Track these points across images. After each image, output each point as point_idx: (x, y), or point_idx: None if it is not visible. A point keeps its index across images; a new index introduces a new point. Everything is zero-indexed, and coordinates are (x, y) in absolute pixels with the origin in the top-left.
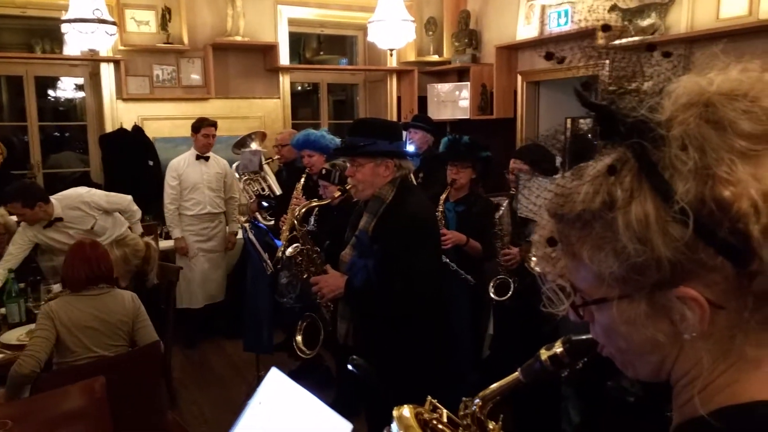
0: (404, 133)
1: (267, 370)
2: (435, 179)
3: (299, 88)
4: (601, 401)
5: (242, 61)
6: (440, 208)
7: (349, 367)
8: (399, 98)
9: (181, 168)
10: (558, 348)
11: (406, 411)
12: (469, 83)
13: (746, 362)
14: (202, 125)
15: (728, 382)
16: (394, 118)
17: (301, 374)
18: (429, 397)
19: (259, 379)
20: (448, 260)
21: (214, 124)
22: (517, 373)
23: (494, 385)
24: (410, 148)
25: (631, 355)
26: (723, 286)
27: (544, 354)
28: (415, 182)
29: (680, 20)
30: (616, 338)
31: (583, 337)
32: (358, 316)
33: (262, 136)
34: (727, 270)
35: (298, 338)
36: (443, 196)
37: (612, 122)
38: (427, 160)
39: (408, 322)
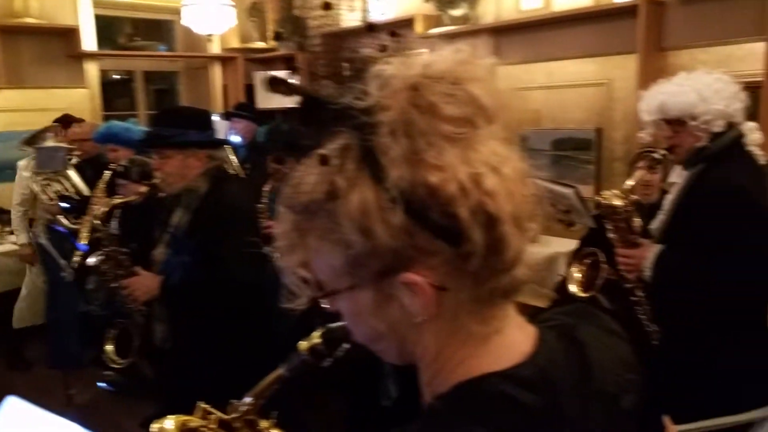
0: (227, 122)
1: (78, 387)
2: (263, 170)
3: (114, 77)
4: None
5: (38, 46)
6: (264, 200)
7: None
8: (225, 86)
9: None
10: (316, 339)
11: (169, 423)
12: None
13: (475, 339)
14: None
15: (462, 358)
16: (220, 108)
17: (116, 386)
18: (200, 403)
19: (68, 399)
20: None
21: None
22: (280, 369)
23: (261, 383)
24: (235, 138)
25: (374, 341)
26: (445, 269)
27: (303, 346)
28: (243, 173)
29: (488, 11)
30: (357, 326)
31: (338, 324)
32: (176, 316)
33: (59, 131)
34: (447, 253)
35: (109, 348)
36: (267, 188)
37: (317, 109)
38: (252, 150)
39: (229, 316)
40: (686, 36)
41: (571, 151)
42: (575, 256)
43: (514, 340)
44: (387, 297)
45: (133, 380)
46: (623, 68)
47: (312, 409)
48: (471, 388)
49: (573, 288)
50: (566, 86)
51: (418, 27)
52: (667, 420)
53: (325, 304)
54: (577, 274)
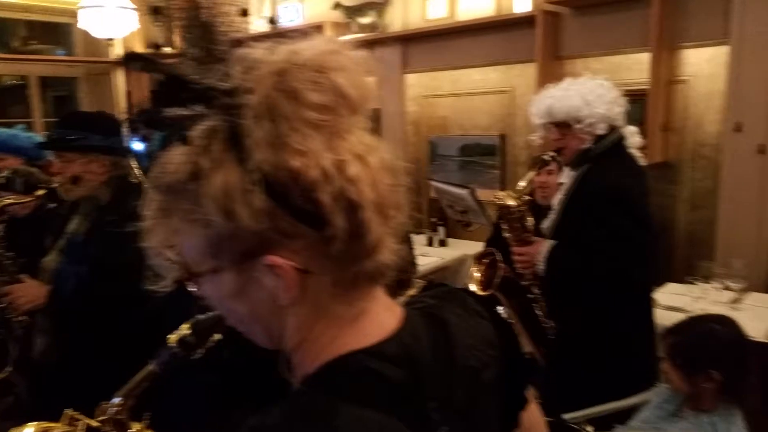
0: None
1: None
2: None
3: (8, 82)
4: None
5: None
6: None
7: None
8: (129, 92)
9: None
10: (185, 330)
11: (28, 431)
12: None
13: (341, 320)
14: None
15: (328, 340)
16: (124, 115)
17: None
18: (66, 411)
19: None
20: None
21: None
22: (150, 365)
23: (130, 381)
24: (138, 145)
25: (243, 325)
26: (308, 252)
27: (171, 339)
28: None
29: (395, 19)
30: (225, 310)
31: (209, 314)
32: (62, 328)
33: None
34: (309, 237)
35: None
36: None
37: (179, 88)
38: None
39: (123, 329)
40: (580, 45)
41: (478, 157)
42: (476, 257)
43: (381, 320)
44: (250, 280)
45: (4, 397)
46: (524, 76)
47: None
48: (336, 366)
49: (473, 287)
50: (472, 93)
51: (327, 34)
52: (530, 393)
53: (191, 288)
54: (476, 273)
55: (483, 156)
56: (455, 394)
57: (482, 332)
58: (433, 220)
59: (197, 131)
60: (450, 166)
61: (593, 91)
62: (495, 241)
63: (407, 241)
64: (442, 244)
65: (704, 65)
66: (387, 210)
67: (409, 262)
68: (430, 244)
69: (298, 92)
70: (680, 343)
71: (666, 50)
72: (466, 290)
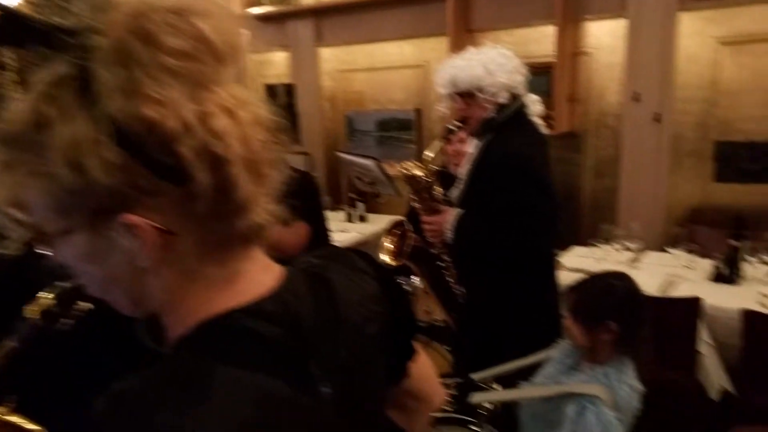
0: None
1: None
2: None
3: None
4: None
5: None
6: None
7: None
8: None
9: None
10: (47, 299)
11: None
12: None
13: (214, 281)
14: None
15: (201, 301)
16: None
17: None
18: None
19: None
20: None
21: None
22: (8, 341)
23: None
24: None
25: (102, 290)
26: (171, 211)
27: (31, 311)
28: None
29: None
30: (83, 274)
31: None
32: None
33: None
34: (172, 194)
35: None
36: None
37: (18, 26)
38: None
39: None
40: (490, 19)
41: (395, 132)
42: (387, 228)
43: (258, 280)
44: (106, 241)
45: None
46: (437, 50)
47: None
48: (209, 326)
49: (385, 258)
50: (387, 68)
51: (236, 6)
52: (417, 345)
53: (43, 251)
54: (388, 244)
55: (400, 130)
56: (339, 351)
57: (367, 289)
58: (352, 195)
59: (41, 76)
60: (368, 141)
61: (494, 60)
62: (414, 213)
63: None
64: (362, 219)
65: (605, 38)
66: (259, 167)
67: None
68: (349, 219)
69: (154, 36)
70: (581, 298)
71: (570, 23)
72: (353, 249)
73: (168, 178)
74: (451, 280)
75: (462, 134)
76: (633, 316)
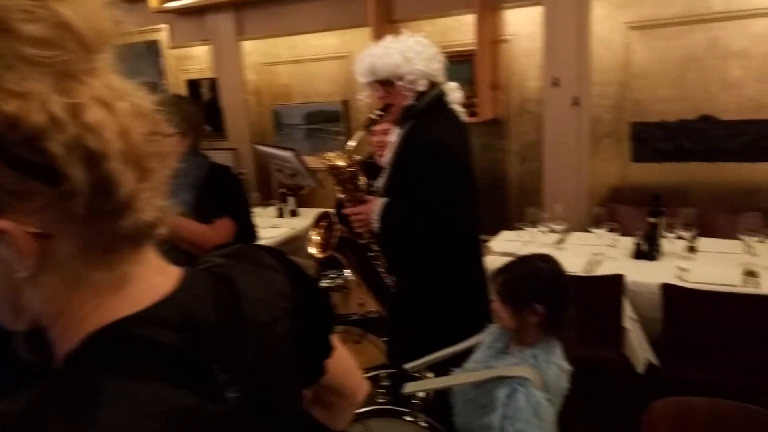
0: None
1: None
2: None
3: None
4: None
5: None
6: None
7: None
8: None
9: None
10: None
11: None
12: None
13: (102, 287)
14: None
15: (90, 310)
16: None
17: None
18: None
19: None
20: None
21: None
22: None
23: None
24: None
25: None
26: (47, 213)
27: None
28: None
29: None
30: None
31: None
32: None
33: None
34: (46, 194)
35: None
36: None
37: None
38: None
39: None
40: (412, 9)
41: (322, 124)
42: (314, 220)
43: (152, 284)
44: None
45: None
46: (360, 41)
47: None
48: (100, 337)
49: (312, 250)
50: (311, 60)
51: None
52: (334, 340)
53: None
54: (315, 237)
55: (327, 123)
56: (245, 353)
57: (275, 286)
58: (282, 190)
59: None
60: (296, 134)
61: (412, 48)
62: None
63: None
64: (293, 214)
65: (523, 25)
66: (143, 162)
67: None
68: (280, 215)
69: (9, 23)
70: (508, 281)
71: (489, 11)
72: (261, 246)
73: (38, 177)
74: (382, 271)
75: (385, 124)
76: (558, 298)
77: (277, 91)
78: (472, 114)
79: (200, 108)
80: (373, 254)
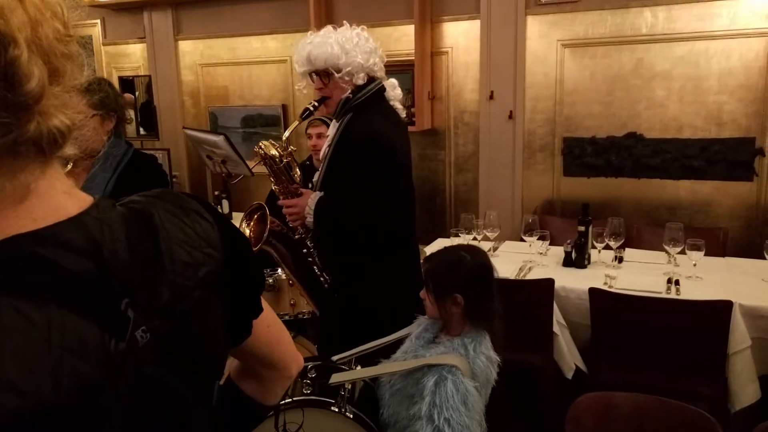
0: None
1: None
2: None
3: None
4: None
5: None
6: None
7: None
8: None
9: None
10: None
11: None
12: None
13: (1, 195)
14: None
15: None
16: None
17: None
18: None
19: None
20: None
21: None
22: None
23: None
24: None
25: None
26: None
27: None
28: None
29: None
30: None
31: None
32: None
33: None
34: None
35: None
36: None
37: None
38: None
39: None
40: (352, 16)
41: (261, 128)
42: (245, 213)
43: (57, 203)
44: None
45: None
46: None
47: None
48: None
49: None
50: (251, 63)
51: None
52: (266, 306)
53: None
54: (246, 230)
55: (266, 127)
56: (159, 292)
57: (199, 230)
58: (216, 193)
59: None
60: (233, 138)
61: (351, 39)
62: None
63: None
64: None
65: (461, 38)
66: (53, 60)
67: None
68: None
69: None
70: (432, 269)
71: (428, 23)
72: (189, 194)
73: None
74: (316, 268)
75: (322, 128)
76: (479, 289)
77: (214, 93)
78: (410, 123)
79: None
80: (306, 251)
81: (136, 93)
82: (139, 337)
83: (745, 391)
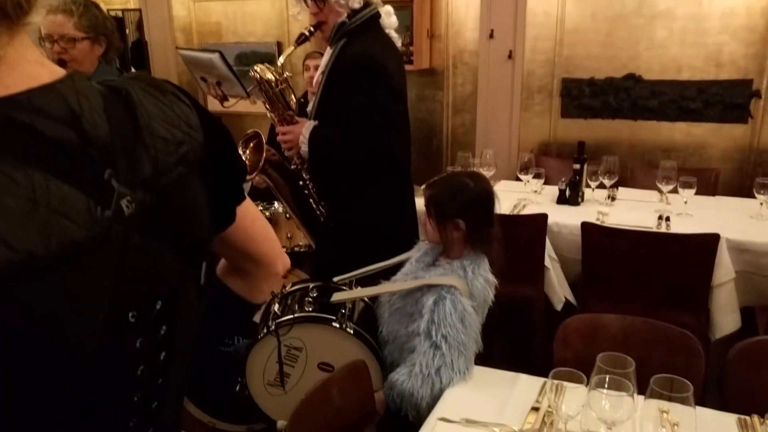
0: None
1: None
2: None
3: None
4: None
5: None
6: None
7: None
8: None
9: None
10: None
11: None
12: None
13: None
14: None
15: None
16: None
17: None
18: None
19: None
20: None
21: None
22: None
23: None
24: None
25: None
26: None
27: None
28: None
29: None
30: None
31: None
32: None
33: None
34: None
35: None
36: None
37: None
38: None
39: None
40: None
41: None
42: (241, 140)
43: (29, 72)
44: None
45: None
46: None
47: None
48: None
49: None
50: None
51: None
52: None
53: None
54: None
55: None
56: (141, 165)
57: (178, 111)
58: None
59: None
60: None
61: None
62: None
63: None
64: None
65: None
66: None
67: None
68: None
69: None
70: (434, 194)
71: None
72: (166, 81)
73: None
74: (312, 201)
75: (318, 60)
76: (480, 215)
77: (207, 30)
78: (408, 62)
79: (113, 20)
80: (303, 183)
81: (127, 31)
82: (125, 206)
83: (725, 320)
